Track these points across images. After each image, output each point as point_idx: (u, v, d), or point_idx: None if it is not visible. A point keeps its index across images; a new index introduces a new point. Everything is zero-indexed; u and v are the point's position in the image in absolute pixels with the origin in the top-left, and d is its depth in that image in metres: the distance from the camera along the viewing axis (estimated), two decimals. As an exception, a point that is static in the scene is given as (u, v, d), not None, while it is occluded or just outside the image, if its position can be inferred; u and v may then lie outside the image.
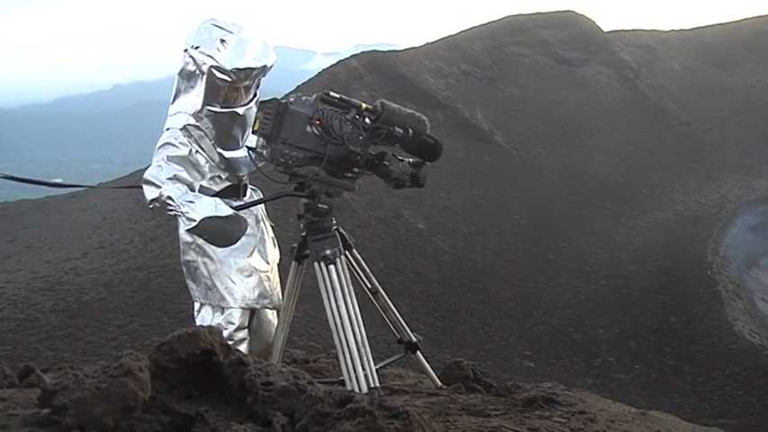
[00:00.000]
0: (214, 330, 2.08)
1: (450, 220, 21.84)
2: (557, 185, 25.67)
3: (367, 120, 3.50)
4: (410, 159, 3.70)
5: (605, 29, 38.08)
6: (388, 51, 32.40)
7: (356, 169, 3.59)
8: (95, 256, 17.01)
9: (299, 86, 27.67)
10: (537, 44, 34.45)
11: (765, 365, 15.86)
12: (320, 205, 3.51)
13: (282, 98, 3.40)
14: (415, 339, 4.01)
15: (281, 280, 3.90)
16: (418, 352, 4.01)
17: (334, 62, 29.46)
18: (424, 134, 3.60)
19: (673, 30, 42.47)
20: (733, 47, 37.80)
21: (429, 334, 16.46)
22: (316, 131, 3.38)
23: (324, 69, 28.78)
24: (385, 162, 3.60)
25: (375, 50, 32.14)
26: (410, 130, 3.53)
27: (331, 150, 3.40)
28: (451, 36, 34.07)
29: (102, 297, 14.35)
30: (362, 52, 30.61)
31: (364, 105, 3.50)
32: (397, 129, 3.49)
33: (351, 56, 29.79)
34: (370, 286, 3.90)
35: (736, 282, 21.22)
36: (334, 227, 3.62)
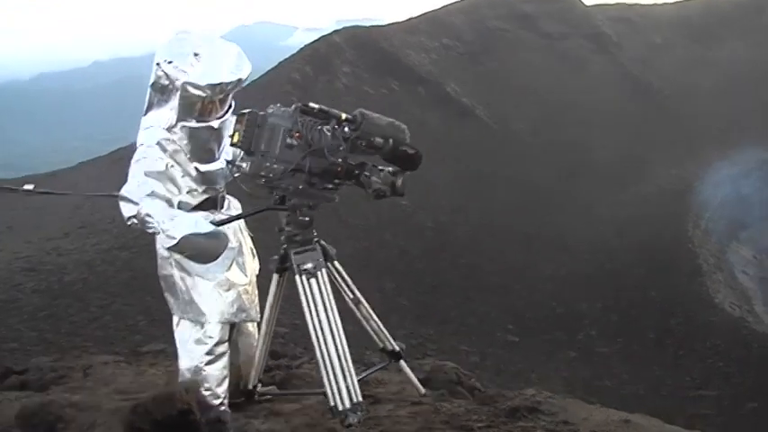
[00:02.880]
0: (191, 388, 2.05)
1: (432, 196, 21.83)
2: (538, 160, 25.72)
3: (346, 129, 3.44)
4: (389, 168, 3.66)
5: (587, 2, 38.01)
6: (371, 26, 32.29)
7: (337, 180, 3.55)
8: (77, 236, 16.91)
9: (280, 63, 27.49)
10: (519, 18, 34.32)
11: (745, 337, 16.15)
12: (301, 218, 3.47)
13: (261, 111, 3.33)
14: (398, 348, 4.01)
15: (261, 290, 3.86)
16: (401, 361, 4.01)
17: (316, 38, 29.28)
18: (404, 144, 3.56)
19: (655, 3, 42.44)
20: (715, 21, 37.69)
21: (412, 309, 16.57)
22: (296, 143, 3.33)
23: (306, 45, 28.57)
24: (366, 173, 3.56)
25: (357, 26, 32.02)
26: (390, 140, 3.49)
27: (312, 162, 3.36)
28: (434, 11, 33.89)
29: (84, 277, 14.24)
30: (344, 27, 30.56)
31: (344, 115, 3.44)
32: (377, 139, 3.45)
33: (332, 31, 29.70)
34: (352, 297, 3.88)
35: (717, 255, 21.52)
36: (315, 239, 3.59)
